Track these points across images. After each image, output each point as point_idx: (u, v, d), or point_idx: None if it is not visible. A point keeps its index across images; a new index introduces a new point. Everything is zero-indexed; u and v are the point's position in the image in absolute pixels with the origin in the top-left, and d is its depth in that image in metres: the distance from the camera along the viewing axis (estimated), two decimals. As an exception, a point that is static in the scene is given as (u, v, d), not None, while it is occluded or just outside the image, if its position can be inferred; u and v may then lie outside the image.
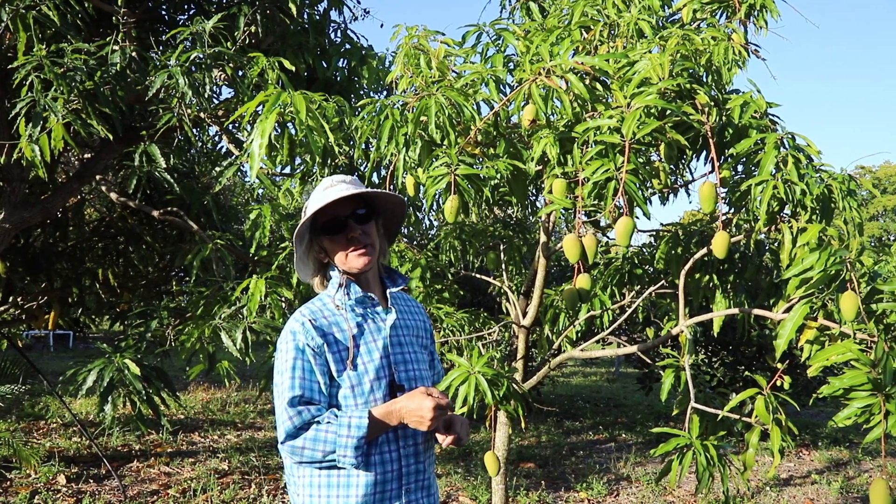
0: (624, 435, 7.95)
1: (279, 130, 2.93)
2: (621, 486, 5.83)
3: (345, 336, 1.75)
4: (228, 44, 3.64)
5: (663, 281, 3.42)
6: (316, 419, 1.67)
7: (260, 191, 5.81)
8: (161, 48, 4.04)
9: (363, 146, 2.90)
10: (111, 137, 3.50)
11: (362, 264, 1.78)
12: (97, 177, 4.73)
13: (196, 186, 5.00)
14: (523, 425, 2.82)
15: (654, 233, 3.59)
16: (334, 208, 1.77)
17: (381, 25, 5.33)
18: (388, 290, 1.87)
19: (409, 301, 1.99)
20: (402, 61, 3.07)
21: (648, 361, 6.33)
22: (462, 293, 4.18)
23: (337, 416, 1.68)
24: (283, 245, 3.79)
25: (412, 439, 1.78)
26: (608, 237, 3.96)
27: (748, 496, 5.53)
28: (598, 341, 3.55)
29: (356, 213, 1.79)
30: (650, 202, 2.92)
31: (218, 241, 4.04)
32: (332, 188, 1.80)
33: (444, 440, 1.78)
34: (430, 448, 1.86)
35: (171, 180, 4.13)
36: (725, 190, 2.68)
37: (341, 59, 4.34)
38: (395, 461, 1.75)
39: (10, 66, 3.44)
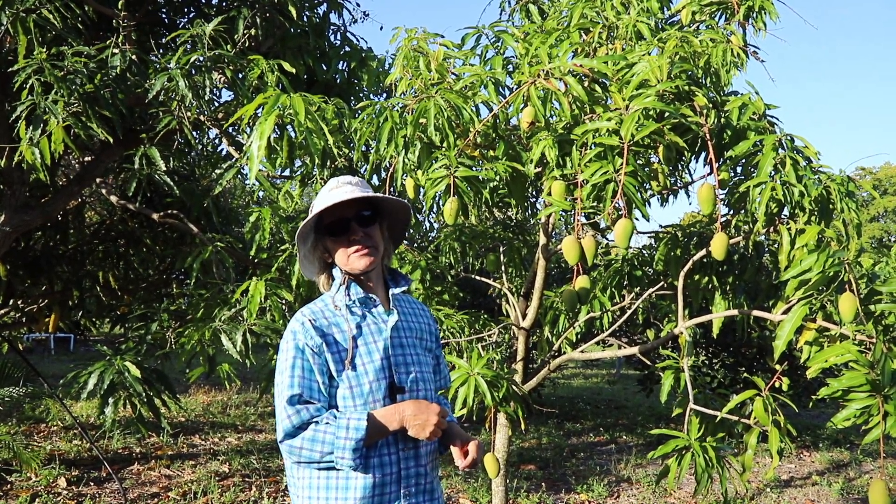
0: (625, 436, 7.94)
1: (278, 133, 2.93)
2: (622, 487, 5.82)
3: (344, 336, 1.75)
4: (228, 46, 3.65)
5: (663, 282, 3.42)
6: (315, 419, 1.67)
7: (260, 193, 5.82)
8: (161, 51, 4.04)
9: (363, 148, 2.91)
10: (111, 140, 3.51)
11: (364, 265, 1.78)
12: (97, 180, 4.74)
13: (196, 189, 5.00)
14: (523, 427, 2.82)
15: (654, 234, 3.59)
16: (339, 209, 1.78)
17: (381, 28, 5.36)
18: (390, 292, 1.87)
19: (414, 303, 1.98)
20: (401, 63, 3.07)
21: (649, 363, 6.33)
22: (462, 295, 4.18)
23: (336, 417, 1.68)
24: (282, 247, 3.79)
25: (412, 442, 1.78)
26: (607, 239, 3.96)
27: (749, 497, 5.52)
28: (598, 343, 3.55)
29: (360, 215, 1.79)
30: (649, 204, 2.92)
31: (218, 243, 4.05)
32: (337, 189, 1.81)
33: (462, 463, 1.82)
34: (431, 452, 1.85)
35: (171, 183, 4.13)
36: (724, 191, 2.68)
37: (341, 62, 4.35)
38: (394, 464, 1.75)
39: (10, 70, 3.45)
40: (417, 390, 1.80)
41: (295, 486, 1.77)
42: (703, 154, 2.68)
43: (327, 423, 1.66)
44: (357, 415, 1.68)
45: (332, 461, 1.66)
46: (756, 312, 2.73)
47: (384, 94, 4.41)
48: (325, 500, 1.71)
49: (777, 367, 2.52)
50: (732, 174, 2.67)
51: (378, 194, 1.82)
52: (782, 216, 2.53)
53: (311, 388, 1.70)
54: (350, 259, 1.78)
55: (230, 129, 4.28)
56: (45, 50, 3.34)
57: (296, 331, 1.73)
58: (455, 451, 1.84)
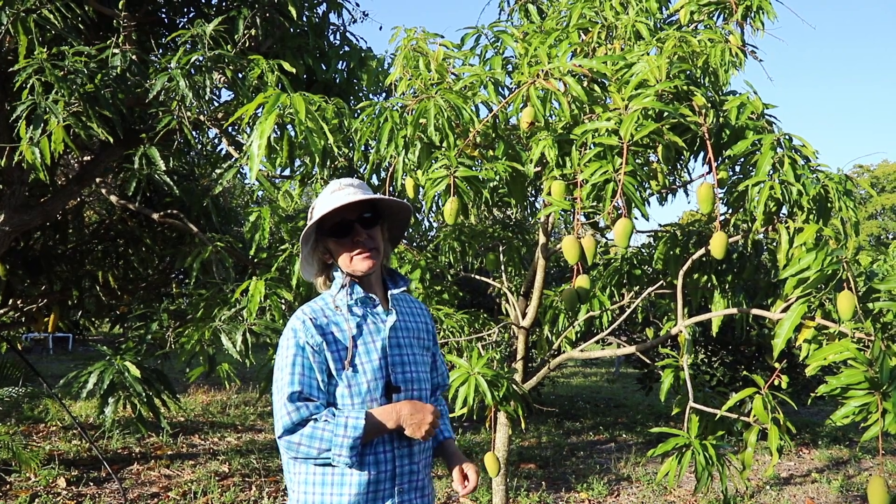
0: (624, 435, 7.96)
1: (278, 132, 2.93)
2: (622, 486, 5.84)
3: (344, 336, 1.78)
4: (228, 46, 3.65)
5: (662, 281, 3.43)
6: (314, 416, 1.70)
7: (260, 193, 5.82)
8: (161, 51, 4.05)
9: (363, 148, 2.91)
10: (111, 140, 3.51)
11: (366, 267, 1.80)
12: (97, 179, 4.74)
13: (196, 189, 5.01)
14: (523, 426, 2.83)
15: (653, 233, 3.60)
16: (341, 212, 1.80)
17: (381, 28, 5.36)
18: (389, 292, 1.89)
19: (412, 302, 2.00)
20: (401, 63, 3.08)
21: (648, 362, 6.34)
22: (462, 294, 4.19)
23: (335, 415, 1.71)
24: (282, 247, 3.80)
25: (407, 441, 1.81)
26: (607, 238, 3.97)
27: (749, 495, 5.54)
28: (597, 342, 3.56)
29: (363, 218, 1.81)
30: (648, 203, 2.93)
31: (218, 243, 4.05)
32: (339, 191, 1.83)
33: (463, 490, 1.90)
34: (425, 450, 1.89)
35: (171, 183, 4.14)
36: (723, 190, 2.69)
37: (340, 62, 4.35)
38: (389, 461, 1.78)
39: (10, 70, 3.46)
40: (412, 390, 1.84)
41: (291, 482, 1.81)
42: (702, 153, 2.69)
43: (326, 420, 1.69)
44: (355, 413, 1.71)
45: (329, 458, 1.69)
46: (755, 311, 2.74)
47: (384, 94, 4.42)
48: (320, 496, 1.74)
49: (776, 365, 2.53)
50: (731, 173, 2.68)
51: (381, 196, 1.84)
52: (781, 215, 2.54)
53: (311, 386, 1.73)
54: (353, 261, 1.81)
55: (230, 129, 4.28)
56: (45, 50, 3.35)
57: (296, 329, 1.76)
58: (455, 475, 1.92)
